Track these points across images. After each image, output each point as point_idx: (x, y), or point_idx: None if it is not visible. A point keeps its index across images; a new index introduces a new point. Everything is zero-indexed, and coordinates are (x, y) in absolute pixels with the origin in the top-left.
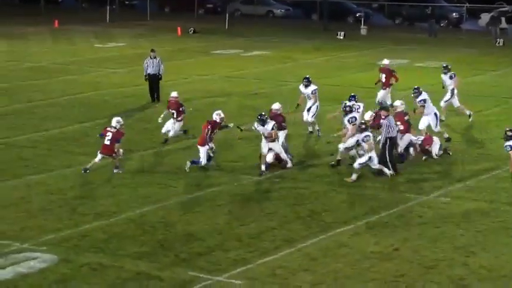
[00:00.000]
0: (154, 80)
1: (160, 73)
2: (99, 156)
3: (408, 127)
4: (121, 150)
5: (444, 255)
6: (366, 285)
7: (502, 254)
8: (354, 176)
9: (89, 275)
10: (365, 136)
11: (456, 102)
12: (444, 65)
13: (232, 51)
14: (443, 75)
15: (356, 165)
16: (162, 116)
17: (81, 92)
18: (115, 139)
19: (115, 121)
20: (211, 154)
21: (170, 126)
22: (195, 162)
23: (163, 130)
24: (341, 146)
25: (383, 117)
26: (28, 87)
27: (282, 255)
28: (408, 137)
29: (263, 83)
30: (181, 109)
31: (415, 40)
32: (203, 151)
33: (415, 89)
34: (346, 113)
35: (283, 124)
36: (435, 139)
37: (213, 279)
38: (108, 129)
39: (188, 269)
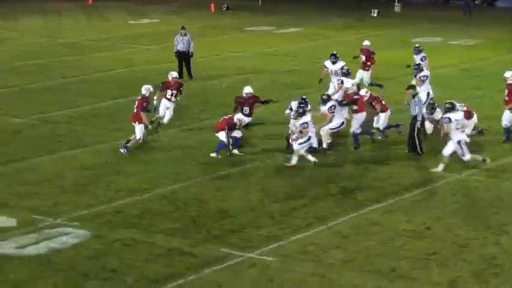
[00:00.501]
0: (183, 57)
1: (191, 50)
2: (137, 128)
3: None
4: (143, 130)
5: (477, 234)
6: (398, 263)
7: None
8: (294, 160)
9: (121, 250)
10: (303, 123)
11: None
12: (416, 46)
13: (265, 28)
14: (415, 56)
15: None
16: (156, 97)
17: (114, 69)
18: (140, 106)
19: (144, 89)
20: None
21: (164, 111)
22: (221, 147)
23: (161, 113)
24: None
25: (411, 95)
26: (61, 64)
27: (313, 232)
28: (362, 115)
29: (296, 60)
30: (181, 89)
31: (449, 18)
32: (222, 135)
33: (416, 65)
34: (324, 102)
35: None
36: (475, 116)
37: (244, 256)
38: (137, 98)
39: (221, 245)
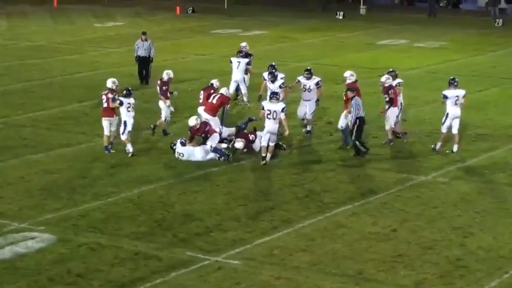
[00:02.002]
0: (144, 62)
1: (151, 55)
2: (105, 123)
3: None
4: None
5: (442, 236)
6: (364, 266)
7: (500, 235)
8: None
9: (87, 255)
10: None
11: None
12: (307, 69)
13: (231, 31)
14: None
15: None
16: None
17: (80, 72)
18: (109, 100)
19: (110, 82)
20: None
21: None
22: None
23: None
24: None
25: (350, 97)
26: (27, 67)
27: (280, 235)
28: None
29: (262, 62)
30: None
31: (415, 20)
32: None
33: (307, 70)
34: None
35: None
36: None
37: (210, 260)
38: (103, 93)
39: (186, 249)
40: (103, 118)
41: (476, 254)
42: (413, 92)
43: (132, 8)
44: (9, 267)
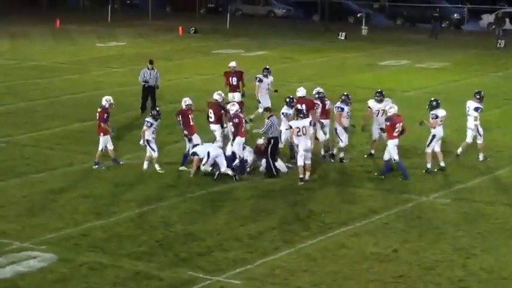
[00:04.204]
0: (150, 91)
1: (158, 84)
2: (101, 139)
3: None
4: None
5: (444, 257)
6: (365, 286)
7: (502, 256)
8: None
9: (88, 274)
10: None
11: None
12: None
13: (233, 51)
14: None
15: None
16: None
17: (83, 91)
18: (101, 118)
19: (104, 100)
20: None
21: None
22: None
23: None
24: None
25: (266, 117)
26: (30, 86)
27: (281, 255)
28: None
29: None
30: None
31: (416, 41)
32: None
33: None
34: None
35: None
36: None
37: (212, 279)
38: (98, 111)
39: (188, 268)
40: (99, 135)
41: (478, 275)
42: (414, 112)
43: (135, 28)
44: (11, 287)
